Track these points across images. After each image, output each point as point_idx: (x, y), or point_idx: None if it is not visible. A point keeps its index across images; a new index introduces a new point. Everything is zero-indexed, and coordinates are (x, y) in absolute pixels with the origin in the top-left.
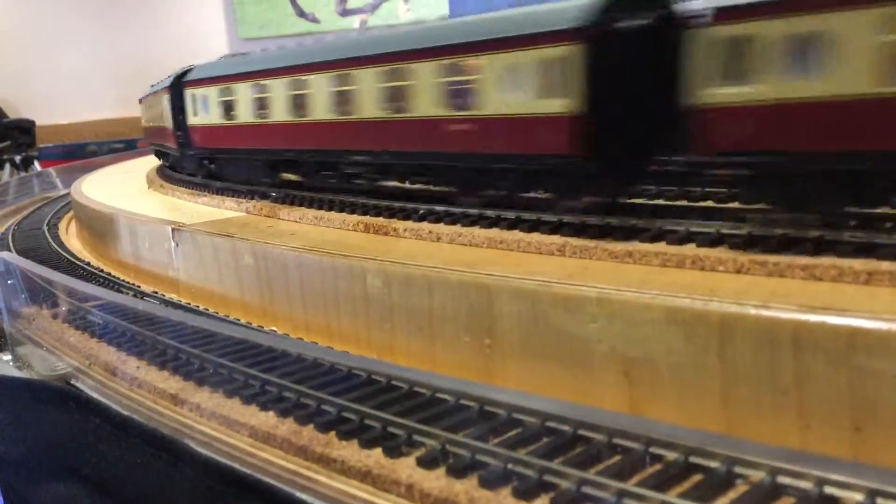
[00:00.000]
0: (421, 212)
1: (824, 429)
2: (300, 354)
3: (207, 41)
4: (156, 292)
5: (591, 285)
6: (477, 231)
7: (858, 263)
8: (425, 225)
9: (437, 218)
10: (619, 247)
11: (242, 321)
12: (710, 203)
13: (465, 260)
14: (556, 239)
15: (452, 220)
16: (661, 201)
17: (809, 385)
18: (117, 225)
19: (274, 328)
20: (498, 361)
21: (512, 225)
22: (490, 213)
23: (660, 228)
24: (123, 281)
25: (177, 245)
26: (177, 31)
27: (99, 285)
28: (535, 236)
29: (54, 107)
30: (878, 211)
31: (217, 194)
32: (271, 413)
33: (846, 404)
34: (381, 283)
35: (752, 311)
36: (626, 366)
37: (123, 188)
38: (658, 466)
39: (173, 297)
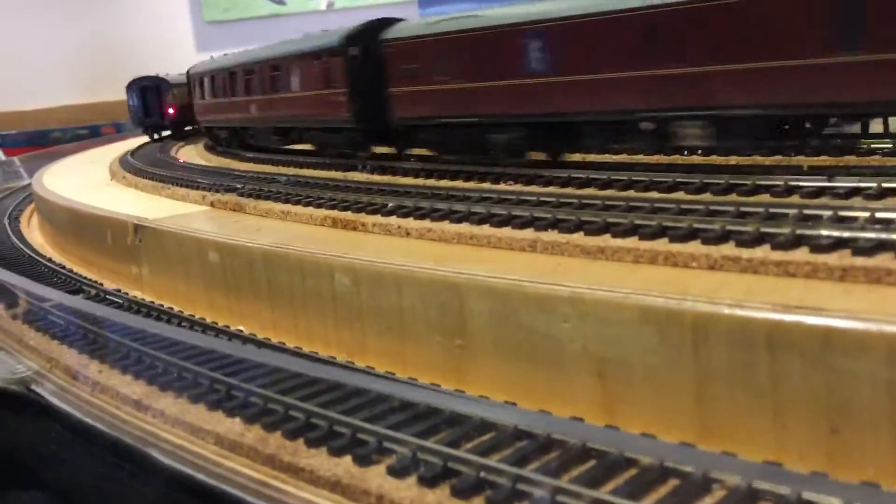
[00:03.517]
0: (389, 206)
1: (801, 430)
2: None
3: (172, 25)
4: (119, 290)
5: (563, 284)
6: (447, 226)
7: (833, 259)
8: (394, 220)
9: (407, 212)
10: (591, 242)
11: (208, 320)
12: (680, 194)
13: (434, 256)
14: (528, 234)
15: (422, 214)
16: (632, 192)
17: (785, 386)
18: (80, 219)
19: (241, 327)
20: (470, 361)
21: (483, 219)
22: (460, 207)
23: (632, 223)
24: (85, 279)
25: (140, 241)
26: (141, 16)
27: (59, 284)
28: (507, 231)
29: (17, 93)
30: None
31: (182, 187)
32: (237, 420)
33: (823, 406)
34: (349, 282)
35: (726, 311)
36: (600, 365)
37: (87, 179)
38: (633, 472)
39: (137, 294)
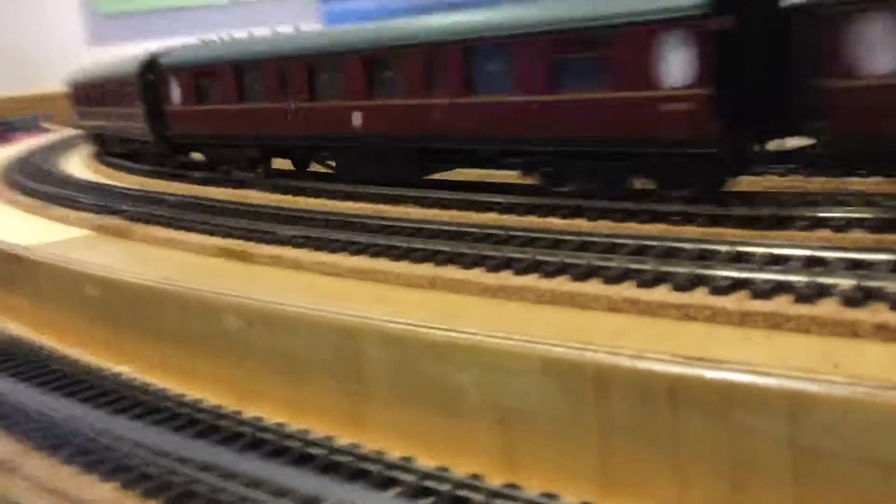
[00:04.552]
0: (282, 235)
1: (703, 485)
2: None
3: (63, 21)
4: None
5: (461, 331)
6: (341, 260)
7: (731, 303)
8: (286, 251)
9: (300, 243)
10: (492, 280)
11: (86, 359)
12: (580, 221)
13: (329, 294)
14: (427, 270)
15: (316, 246)
16: (534, 218)
17: (687, 440)
18: None
19: (124, 367)
20: (367, 407)
21: (380, 252)
22: (359, 238)
23: (533, 258)
24: None
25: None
26: (30, 12)
27: None
28: (404, 266)
29: None
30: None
31: (66, 207)
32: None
33: (725, 461)
34: (239, 323)
35: (627, 363)
36: (501, 415)
37: None
38: None
39: (13, 327)
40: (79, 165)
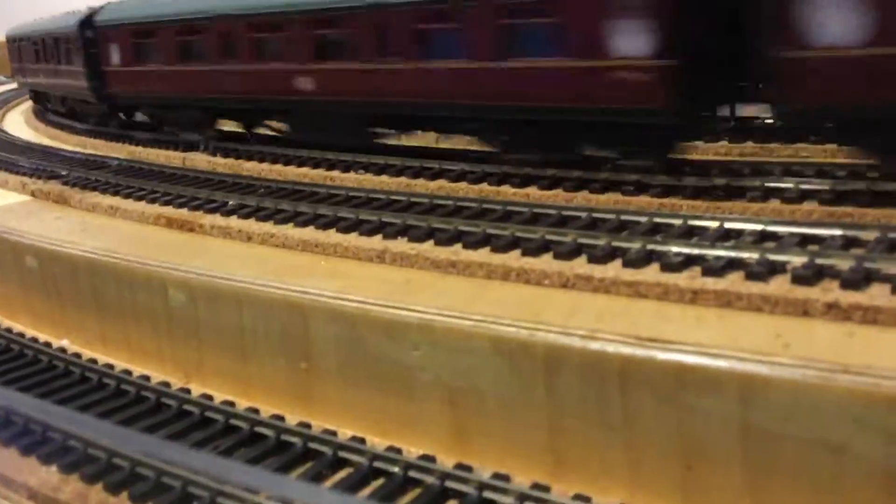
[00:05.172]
0: (230, 204)
1: (655, 466)
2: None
3: None
4: None
5: (412, 309)
6: (290, 231)
7: (683, 280)
8: (234, 221)
9: (248, 213)
10: (442, 254)
11: (26, 331)
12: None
13: (278, 268)
14: (377, 243)
15: (265, 216)
16: (486, 185)
17: (639, 421)
18: None
19: (65, 340)
20: (316, 386)
21: (329, 223)
22: (306, 209)
23: (484, 232)
24: None
25: None
26: None
27: None
28: (354, 239)
29: None
30: None
31: (4, 171)
32: (53, 469)
33: (677, 442)
34: (184, 298)
35: (579, 343)
36: (452, 395)
37: None
38: None
39: None
40: (20, 123)
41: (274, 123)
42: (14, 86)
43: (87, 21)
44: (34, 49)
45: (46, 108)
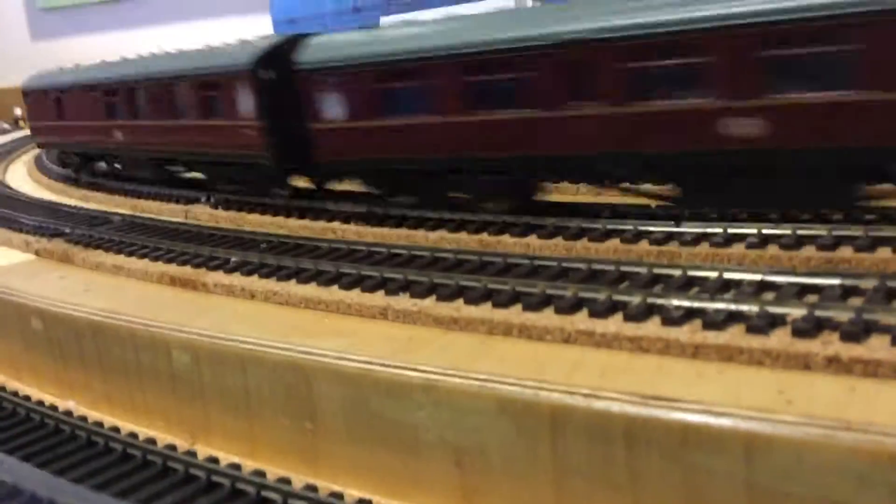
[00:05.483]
0: (233, 261)
1: None
2: None
3: (3, 17)
4: None
5: (415, 369)
6: (293, 288)
7: (684, 335)
8: (237, 279)
9: (251, 270)
10: (444, 311)
11: (30, 393)
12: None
13: (281, 327)
14: (379, 300)
15: (267, 273)
16: (485, 235)
17: (644, 480)
18: None
19: (71, 402)
20: (322, 447)
21: (332, 280)
22: (308, 265)
23: (485, 286)
24: None
25: None
26: None
27: None
28: (356, 296)
29: None
30: None
31: (8, 229)
32: None
33: (682, 501)
34: (188, 359)
35: (582, 403)
36: (458, 455)
37: None
38: None
39: None
40: (23, 175)
41: None
42: (17, 135)
43: (271, 58)
44: (106, 101)
45: (78, 175)
